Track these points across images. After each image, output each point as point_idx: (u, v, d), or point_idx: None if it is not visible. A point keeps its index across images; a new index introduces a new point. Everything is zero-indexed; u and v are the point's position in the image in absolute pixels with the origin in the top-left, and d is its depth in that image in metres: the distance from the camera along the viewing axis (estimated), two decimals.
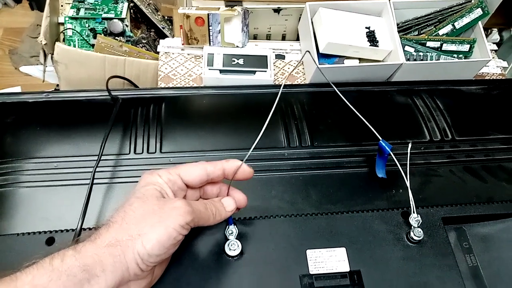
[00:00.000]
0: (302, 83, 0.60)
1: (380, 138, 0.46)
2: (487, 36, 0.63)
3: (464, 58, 0.61)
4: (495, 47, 0.67)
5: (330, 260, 0.40)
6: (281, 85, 0.50)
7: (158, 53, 0.63)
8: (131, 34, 0.71)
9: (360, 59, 0.58)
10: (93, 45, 0.70)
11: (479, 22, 0.59)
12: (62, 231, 0.41)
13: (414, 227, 0.42)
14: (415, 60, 0.58)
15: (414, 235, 0.41)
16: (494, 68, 0.64)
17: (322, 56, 0.57)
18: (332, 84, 0.49)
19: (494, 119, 0.55)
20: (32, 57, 1.34)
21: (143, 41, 0.71)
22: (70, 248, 0.30)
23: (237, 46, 0.59)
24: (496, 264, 0.43)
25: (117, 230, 0.31)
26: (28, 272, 0.28)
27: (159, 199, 0.34)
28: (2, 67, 1.36)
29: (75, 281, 0.28)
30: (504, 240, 0.44)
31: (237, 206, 0.39)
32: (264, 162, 0.49)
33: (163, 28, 0.73)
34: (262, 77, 0.57)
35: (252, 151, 0.48)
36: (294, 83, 0.60)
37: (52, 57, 0.67)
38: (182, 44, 0.60)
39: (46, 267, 0.28)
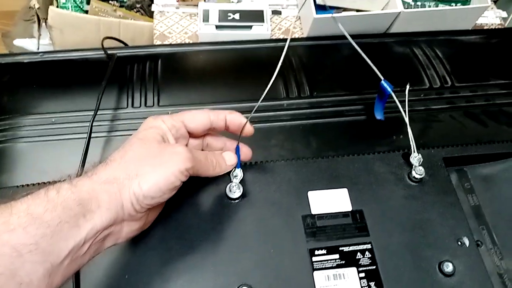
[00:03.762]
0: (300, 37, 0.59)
1: (382, 78, 0.46)
2: None
3: None
4: None
5: (332, 200, 0.40)
6: (286, 39, 0.50)
7: (153, 14, 0.62)
8: None
9: (358, 11, 0.58)
10: (86, 11, 0.69)
11: None
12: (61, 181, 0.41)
13: (415, 166, 0.41)
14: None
15: (416, 173, 0.41)
16: (493, 18, 0.63)
17: (319, 8, 0.56)
18: (341, 27, 0.48)
19: (493, 66, 0.55)
20: (25, 39, 1.33)
21: (137, 5, 0.70)
22: (66, 181, 0.29)
23: (232, 2, 0.58)
24: (498, 203, 0.43)
25: (115, 168, 0.31)
26: (23, 201, 0.27)
27: (161, 142, 0.33)
28: None
29: (71, 214, 0.27)
30: (505, 179, 0.44)
31: (242, 158, 0.39)
32: (263, 113, 0.48)
33: None
34: (259, 31, 0.56)
35: (251, 103, 0.48)
36: (294, 37, 0.59)
37: (46, 23, 0.66)
38: (177, 2, 0.59)
39: (41, 197, 0.27)
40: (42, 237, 0.26)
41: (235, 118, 0.38)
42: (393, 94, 0.44)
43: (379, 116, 0.45)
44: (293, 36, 0.59)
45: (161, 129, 0.34)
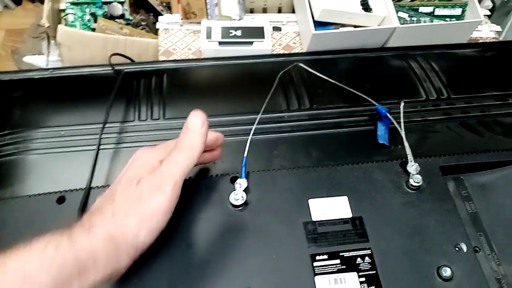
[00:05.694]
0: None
1: (376, 104, 0.48)
2: (479, 1, 0.65)
3: None
4: (488, 13, 0.68)
5: (332, 208, 0.41)
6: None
7: (158, 30, 0.65)
8: (131, 18, 0.73)
9: (355, 27, 0.60)
10: (94, 30, 0.72)
11: None
12: (72, 190, 0.42)
13: (412, 174, 0.43)
14: None
15: (414, 181, 0.42)
16: (487, 32, 0.65)
17: (318, 25, 0.59)
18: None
19: (488, 78, 0.56)
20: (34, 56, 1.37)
21: (143, 23, 0.73)
22: (65, 234, 0.29)
23: (234, 19, 0.60)
24: (495, 210, 0.45)
25: (109, 223, 0.31)
26: (18, 257, 0.27)
27: (141, 185, 0.33)
28: (5, 67, 1.38)
29: (67, 273, 0.27)
30: (502, 186, 0.46)
31: (209, 158, 0.41)
32: (265, 125, 0.50)
33: (162, 11, 0.75)
34: (259, 47, 0.58)
35: (253, 115, 0.50)
36: (295, 52, 0.61)
37: (55, 41, 0.68)
38: (181, 20, 0.61)
39: (38, 254, 0.27)
40: None
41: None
42: (388, 115, 0.46)
43: (381, 140, 0.47)
44: (293, 51, 0.61)
45: (150, 165, 0.35)
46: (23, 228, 0.40)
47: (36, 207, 0.41)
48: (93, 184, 0.42)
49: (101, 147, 0.46)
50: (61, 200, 0.41)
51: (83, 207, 0.40)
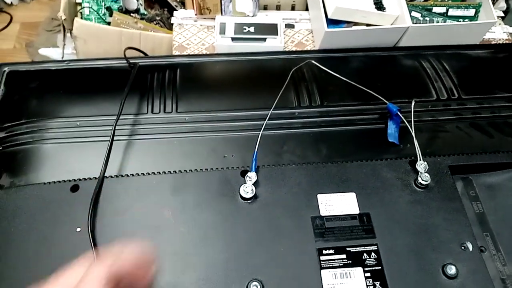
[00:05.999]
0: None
1: (387, 102, 0.49)
2: (493, 3, 0.64)
3: None
4: (502, 14, 0.68)
5: (340, 203, 0.42)
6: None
7: (172, 26, 0.66)
8: (145, 12, 0.74)
9: (368, 25, 0.60)
10: (109, 23, 0.73)
11: None
12: (85, 179, 0.43)
13: (421, 172, 0.43)
14: None
15: (422, 179, 0.43)
16: (500, 34, 0.65)
17: (331, 23, 0.59)
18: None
19: (499, 80, 0.56)
20: (49, 48, 1.39)
21: (157, 18, 0.73)
22: None
23: (248, 15, 0.61)
24: (502, 211, 0.45)
25: None
26: None
27: None
28: (20, 60, 1.40)
29: None
30: (510, 188, 0.46)
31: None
32: (275, 121, 0.51)
33: (176, 6, 0.76)
34: (272, 44, 0.59)
35: (264, 111, 0.51)
36: (307, 49, 0.62)
37: (71, 34, 0.70)
38: (195, 15, 0.62)
39: None
40: None
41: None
42: (399, 113, 0.46)
43: (391, 138, 0.48)
44: (305, 49, 0.62)
45: None
46: (37, 215, 0.41)
47: (50, 194, 0.42)
48: (107, 174, 0.43)
49: (115, 138, 0.47)
50: (75, 188, 0.42)
51: (97, 196, 0.41)
